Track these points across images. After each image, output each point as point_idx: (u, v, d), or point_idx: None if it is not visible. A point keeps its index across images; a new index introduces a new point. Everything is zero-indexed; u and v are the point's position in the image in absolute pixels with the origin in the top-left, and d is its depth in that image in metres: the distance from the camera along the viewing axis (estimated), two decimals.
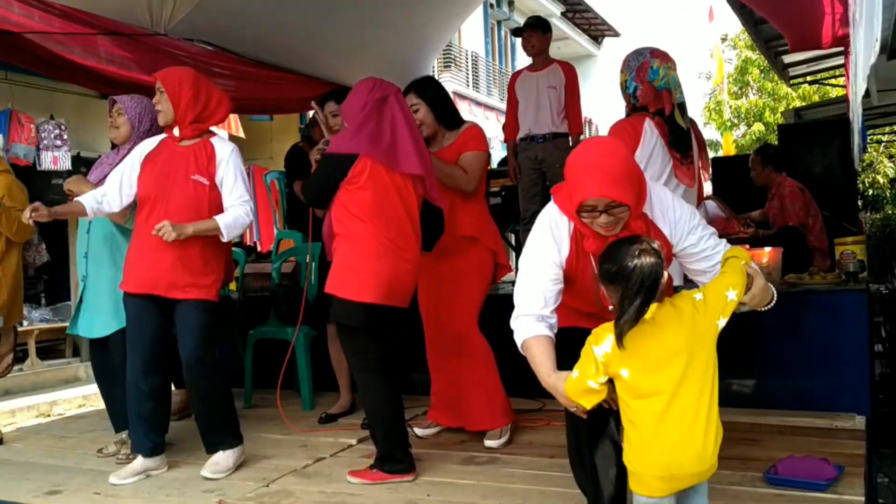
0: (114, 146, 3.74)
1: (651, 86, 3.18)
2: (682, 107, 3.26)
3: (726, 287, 2.10)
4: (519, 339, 2.30)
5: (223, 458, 3.31)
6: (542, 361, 2.23)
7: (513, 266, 4.45)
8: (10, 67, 7.27)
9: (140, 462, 3.29)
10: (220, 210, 3.29)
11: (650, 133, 3.12)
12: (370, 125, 3.14)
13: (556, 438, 3.50)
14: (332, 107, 4.04)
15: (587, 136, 20.16)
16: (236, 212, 3.27)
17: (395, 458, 3.13)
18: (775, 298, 2.22)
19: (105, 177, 3.55)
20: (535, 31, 5.40)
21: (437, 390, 3.81)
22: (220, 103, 3.40)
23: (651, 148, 3.10)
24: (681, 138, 3.19)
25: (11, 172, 4.01)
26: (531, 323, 2.29)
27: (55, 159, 8.00)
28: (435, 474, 3.17)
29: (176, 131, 3.36)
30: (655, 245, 2.06)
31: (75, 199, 3.38)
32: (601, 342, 2.05)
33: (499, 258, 3.71)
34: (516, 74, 5.64)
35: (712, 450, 2.04)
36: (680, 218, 2.34)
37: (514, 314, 2.34)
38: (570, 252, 2.35)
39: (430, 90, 3.66)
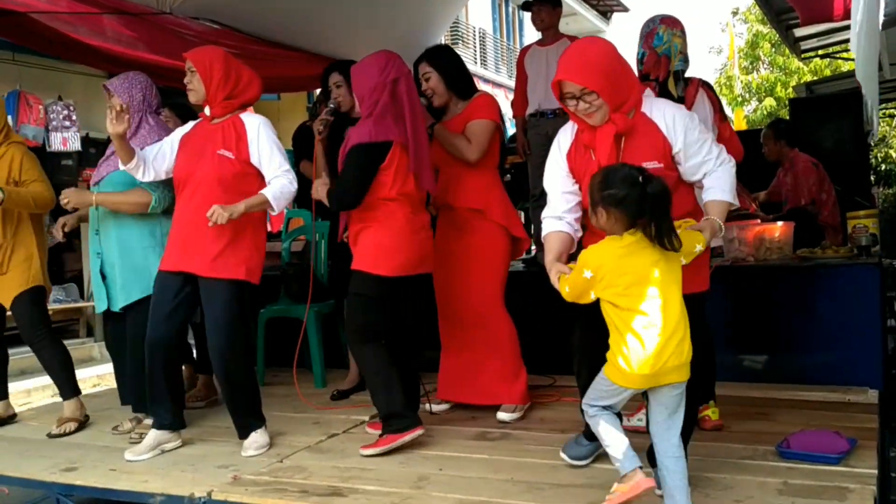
0: None
1: (654, 52, 3.23)
2: (677, 74, 3.28)
3: (696, 242, 2.45)
4: (543, 236, 2.73)
5: (259, 437, 3.32)
6: (548, 251, 2.66)
7: (531, 240, 4.45)
8: (17, 48, 7.26)
9: (153, 436, 3.32)
10: (248, 184, 3.27)
11: None
12: (392, 110, 3.18)
13: (568, 414, 3.53)
14: (335, 77, 4.03)
15: None
16: (280, 182, 3.26)
17: (399, 414, 3.16)
18: (723, 230, 2.59)
19: (113, 169, 3.59)
20: (545, 6, 5.35)
21: (449, 367, 3.82)
22: (250, 82, 3.40)
23: None
24: None
25: (23, 144, 3.98)
26: (551, 222, 2.71)
27: (64, 140, 8.01)
28: (447, 449, 3.19)
29: (207, 110, 3.38)
30: (649, 168, 2.41)
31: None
32: (599, 268, 2.34)
33: (512, 231, 3.68)
34: (525, 49, 5.60)
35: (689, 349, 2.37)
36: (677, 120, 2.59)
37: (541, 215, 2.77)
38: (570, 148, 2.69)
39: (443, 58, 3.66)
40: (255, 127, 3.31)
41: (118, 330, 3.75)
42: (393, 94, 3.18)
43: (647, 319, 2.31)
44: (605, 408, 2.46)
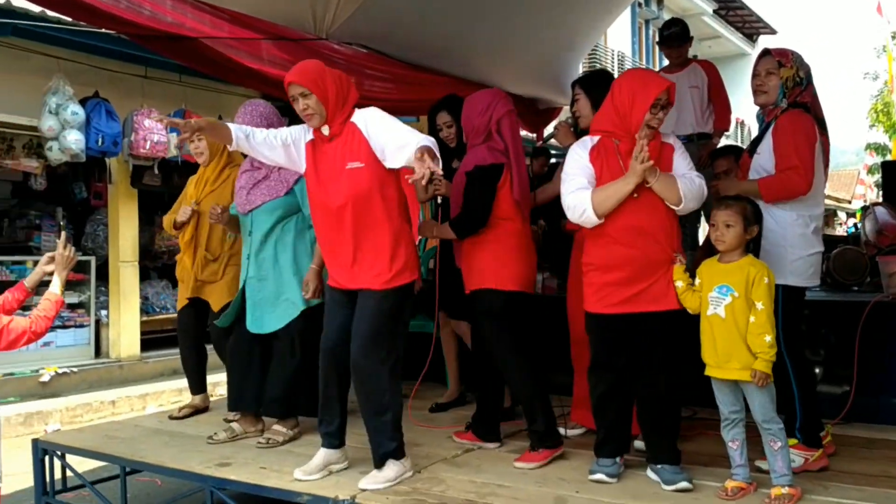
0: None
1: (813, 87, 3.30)
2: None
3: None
4: (585, 203, 3.00)
5: (384, 470, 3.12)
6: (612, 186, 3.00)
7: None
8: (183, 70, 7.83)
9: (322, 455, 3.28)
10: (386, 186, 3.13)
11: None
12: (496, 144, 3.51)
13: (709, 447, 3.43)
14: (444, 117, 4.22)
15: (740, 140, 19.14)
16: (418, 137, 3.03)
17: (554, 432, 3.39)
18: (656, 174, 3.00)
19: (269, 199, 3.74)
20: (686, 44, 5.40)
21: (584, 392, 3.79)
22: (349, 82, 3.28)
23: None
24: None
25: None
26: (582, 190, 3.03)
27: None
28: (584, 473, 3.15)
29: (326, 130, 3.20)
30: None
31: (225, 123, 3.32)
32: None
33: None
34: None
35: None
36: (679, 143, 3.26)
37: (566, 203, 3.08)
38: (592, 151, 3.11)
39: (594, 85, 3.70)
40: (363, 121, 3.16)
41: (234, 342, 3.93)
42: (497, 130, 3.51)
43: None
44: None
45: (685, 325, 2.99)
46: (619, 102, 3.06)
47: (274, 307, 3.76)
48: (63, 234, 3.37)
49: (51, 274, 3.20)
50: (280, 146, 3.26)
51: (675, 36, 5.36)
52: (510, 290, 3.43)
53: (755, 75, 3.32)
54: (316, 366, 3.34)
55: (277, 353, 3.82)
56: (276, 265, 3.76)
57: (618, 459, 3.12)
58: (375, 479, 3.06)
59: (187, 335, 4.43)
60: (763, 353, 2.75)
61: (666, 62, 5.66)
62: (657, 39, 5.58)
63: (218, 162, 4.32)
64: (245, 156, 3.81)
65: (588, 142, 3.16)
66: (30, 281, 3.17)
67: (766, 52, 3.34)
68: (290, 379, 3.78)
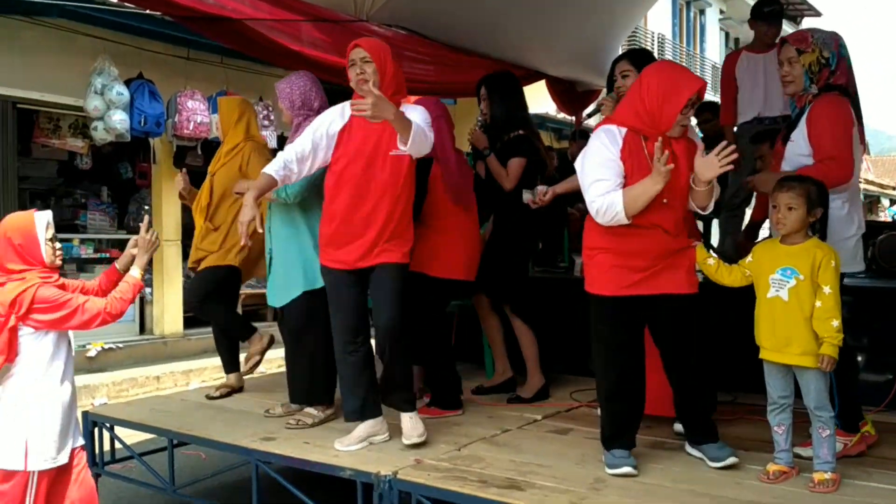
0: None
1: (845, 62, 3.14)
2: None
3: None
4: (617, 206, 2.86)
5: (412, 422, 3.32)
6: (640, 186, 2.86)
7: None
8: (225, 52, 7.90)
9: (362, 428, 3.36)
10: (413, 175, 3.36)
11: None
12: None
13: (750, 431, 3.43)
14: (482, 92, 4.40)
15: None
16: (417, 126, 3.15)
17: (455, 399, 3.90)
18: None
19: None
20: (780, 23, 5.34)
21: None
22: (404, 81, 3.41)
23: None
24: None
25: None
26: (612, 192, 2.89)
27: (263, 138, 8.57)
28: None
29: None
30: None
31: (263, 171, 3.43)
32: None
33: None
34: (734, 56, 5.44)
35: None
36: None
37: (595, 206, 2.91)
38: (623, 147, 2.94)
39: (643, 62, 3.62)
40: (412, 115, 3.22)
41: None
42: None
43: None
44: None
45: (709, 309, 3.01)
46: (649, 101, 2.92)
47: (275, 283, 3.80)
48: (146, 217, 3.41)
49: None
50: (310, 154, 3.34)
51: (775, 13, 5.30)
52: (441, 277, 3.85)
53: (780, 65, 3.21)
54: (328, 349, 3.56)
55: (289, 338, 3.82)
56: (283, 240, 3.76)
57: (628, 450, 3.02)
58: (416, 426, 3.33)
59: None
60: (831, 338, 2.71)
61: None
62: (751, 16, 5.39)
63: (233, 137, 4.40)
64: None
65: (616, 133, 2.98)
66: (120, 263, 3.23)
67: (783, 41, 3.21)
68: (306, 364, 3.77)
